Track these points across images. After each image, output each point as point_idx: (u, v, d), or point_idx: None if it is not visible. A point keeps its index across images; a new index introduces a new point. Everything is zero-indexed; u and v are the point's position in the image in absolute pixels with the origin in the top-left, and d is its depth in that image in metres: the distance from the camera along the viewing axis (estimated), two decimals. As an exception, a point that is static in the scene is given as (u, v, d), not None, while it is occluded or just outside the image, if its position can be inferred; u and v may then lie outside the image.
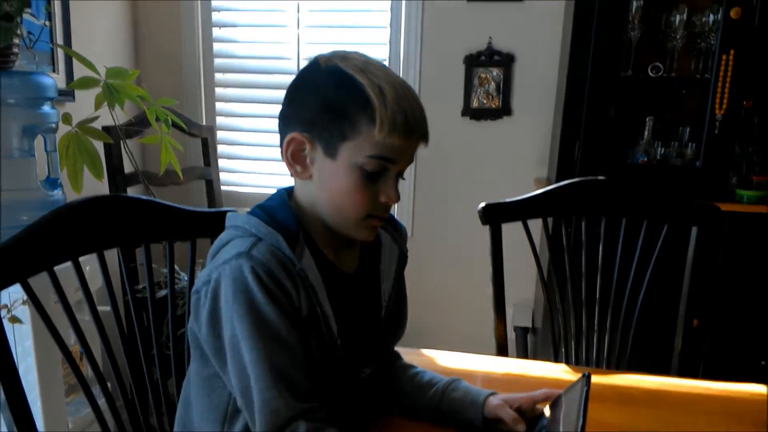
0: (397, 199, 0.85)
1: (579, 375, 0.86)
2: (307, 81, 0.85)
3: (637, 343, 1.42)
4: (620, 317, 1.42)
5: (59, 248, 0.93)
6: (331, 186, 0.84)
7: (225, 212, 1.11)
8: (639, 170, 2.24)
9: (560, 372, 1.21)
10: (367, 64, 0.82)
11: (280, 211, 0.86)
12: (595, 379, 0.86)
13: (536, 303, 2.60)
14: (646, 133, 2.26)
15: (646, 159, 2.24)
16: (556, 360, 1.42)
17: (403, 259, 1.00)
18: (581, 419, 0.74)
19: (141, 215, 1.06)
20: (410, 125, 0.81)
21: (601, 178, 1.48)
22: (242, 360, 0.77)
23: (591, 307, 1.44)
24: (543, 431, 0.84)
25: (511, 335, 2.50)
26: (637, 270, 1.42)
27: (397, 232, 1.01)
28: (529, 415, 0.90)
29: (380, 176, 0.83)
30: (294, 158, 0.85)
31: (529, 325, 2.54)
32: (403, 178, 0.88)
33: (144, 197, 1.07)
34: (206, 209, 1.15)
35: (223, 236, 0.86)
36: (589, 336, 1.45)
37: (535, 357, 2.36)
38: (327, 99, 0.82)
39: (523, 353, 2.42)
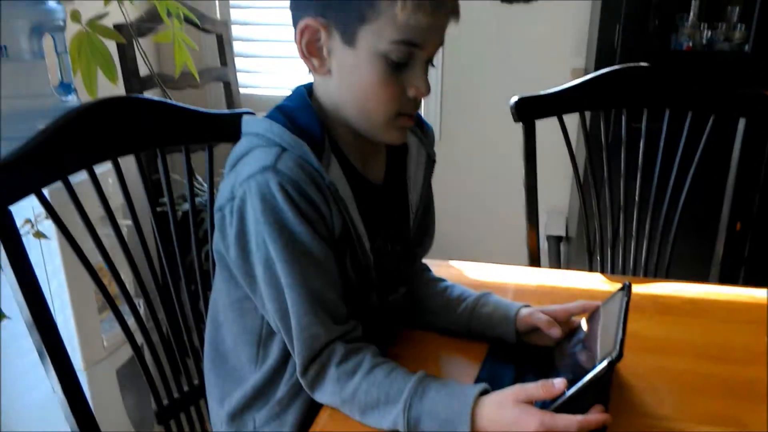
0: (428, 91, 0.76)
1: (615, 284, 0.82)
2: None
3: (676, 249, 1.37)
4: (660, 221, 1.35)
5: (72, 155, 0.89)
6: (352, 81, 0.76)
7: (243, 114, 1.07)
8: (683, 57, 2.08)
9: (596, 282, 1.17)
10: None
11: (301, 114, 0.78)
12: (633, 288, 0.82)
13: (570, 210, 2.52)
14: (691, 14, 2.09)
15: (691, 44, 2.08)
16: (591, 269, 1.38)
17: (430, 164, 0.94)
18: (621, 332, 0.70)
19: (155, 118, 1.01)
20: (439, 0, 0.71)
21: (643, 65, 1.37)
22: (278, 284, 0.74)
23: (629, 210, 1.37)
24: (579, 345, 0.81)
25: (544, 245, 2.44)
26: (680, 168, 1.34)
27: (424, 134, 0.94)
28: (564, 328, 0.86)
29: (407, 65, 0.75)
30: (309, 50, 0.77)
31: (563, 233, 2.45)
32: (433, 65, 0.79)
33: (157, 98, 1.01)
34: (223, 111, 1.10)
35: (242, 145, 0.79)
36: (627, 242, 1.39)
37: (568, 267, 2.32)
38: None
39: (556, 263, 2.37)
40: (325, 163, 0.76)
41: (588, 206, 1.39)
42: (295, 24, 0.77)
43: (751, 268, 2.12)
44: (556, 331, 0.84)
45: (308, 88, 0.83)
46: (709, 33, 2.10)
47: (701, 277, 1.21)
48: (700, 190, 1.34)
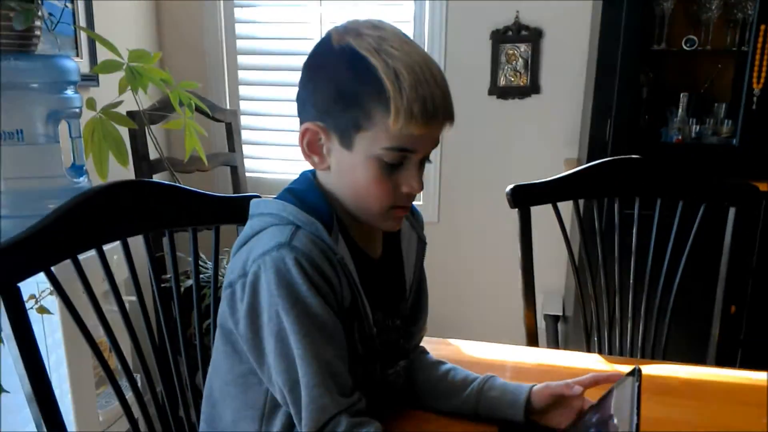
0: (420, 188, 0.81)
1: (614, 365, 0.83)
2: (320, 62, 0.81)
3: (672, 331, 1.38)
4: (655, 304, 1.37)
5: (82, 235, 0.92)
6: (349, 179, 0.81)
7: (250, 198, 1.10)
8: (673, 149, 2.17)
9: (594, 362, 1.17)
10: (381, 40, 0.76)
11: (310, 195, 0.83)
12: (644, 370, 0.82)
13: (566, 290, 2.55)
14: (680, 110, 2.19)
15: (680, 137, 2.17)
16: (589, 349, 1.39)
17: (421, 246, 0.98)
18: (635, 418, 0.70)
19: (164, 201, 1.04)
20: (429, 113, 0.75)
21: (634, 156, 1.43)
22: (290, 355, 0.75)
23: (624, 293, 1.39)
24: (592, 429, 0.81)
25: (541, 324, 2.46)
26: (673, 253, 1.37)
27: (415, 218, 0.98)
28: (576, 408, 0.87)
29: (401, 165, 0.79)
30: (311, 148, 0.82)
31: (560, 313, 2.48)
32: (429, 161, 0.83)
33: (166, 182, 1.06)
34: (230, 195, 1.13)
35: (254, 224, 0.82)
36: (623, 324, 1.41)
37: (566, 347, 2.32)
38: (339, 85, 0.77)
39: (553, 343, 2.38)
40: (334, 239, 0.80)
41: (584, 288, 1.41)
42: (300, 120, 0.83)
43: (747, 350, 2.12)
44: (577, 389, 0.85)
45: (313, 173, 0.88)
46: (698, 127, 2.19)
47: (698, 359, 1.21)
48: (693, 274, 1.36)
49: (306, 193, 0.83)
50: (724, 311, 1.37)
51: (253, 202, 0.86)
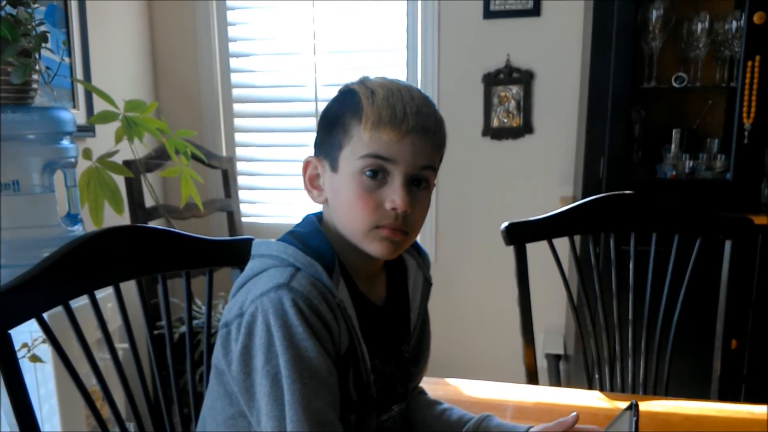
0: (405, 205, 0.78)
1: (614, 402, 0.81)
2: (323, 109, 0.86)
3: (674, 367, 1.36)
4: (655, 339, 1.36)
5: (74, 281, 0.91)
6: (338, 201, 0.82)
7: (242, 241, 1.10)
8: (668, 185, 2.18)
9: (594, 399, 1.16)
10: (378, 78, 0.82)
11: (313, 238, 0.83)
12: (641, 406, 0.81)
13: (567, 329, 2.53)
14: (673, 146, 2.21)
15: (674, 173, 2.18)
16: (590, 387, 1.37)
17: (427, 286, 0.97)
18: None
19: (157, 246, 1.04)
20: (398, 118, 0.77)
21: (627, 192, 1.44)
22: (281, 400, 0.73)
23: (624, 329, 1.38)
24: None
25: (543, 363, 2.43)
26: (671, 288, 1.36)
27: (422, 258, 0.97)
28: None
29: (384, 182, 0.79)
30: (312, 183, 0.85)
31: (561, 352, 2.46)
32: (425, 186, 0.82)
33: (159, 227, 1.06)
34: (223, 238, 1.13)
35: (254, 265, 0.82)
36: (624, 360, 1.39)
37: (568, 385, 2.29)
38: (327, 115, 0.84)
39: (555, 381, 2.35)
40: (335, 282, 0.79)
41: (583, 325, 1.40)
42: None
43: (751, 384, 2.09)
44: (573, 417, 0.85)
45: (318, 216, 0.88)
46: (691, 163, 2.20)
47: (701, 394, 1.19)
48: (692, 309, 1.35)
49: (308, 236, 0.83)
50: (725, 346, 1.36)
51: (254, 243, 0.86)
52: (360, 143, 0.78)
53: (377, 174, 0.78)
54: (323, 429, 0.74)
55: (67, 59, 2.14)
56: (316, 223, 0.86)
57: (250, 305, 0.76)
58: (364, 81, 0.81)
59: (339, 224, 0.83)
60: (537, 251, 1.39)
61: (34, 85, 1.60)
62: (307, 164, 0.85)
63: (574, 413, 0.86)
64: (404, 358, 0.93)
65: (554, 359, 2.44)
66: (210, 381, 0.86)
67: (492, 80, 2.53)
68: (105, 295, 0.97)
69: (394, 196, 0.78)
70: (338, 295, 0.78)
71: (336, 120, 0.80)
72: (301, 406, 0.72)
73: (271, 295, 0.74)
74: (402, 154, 0.78)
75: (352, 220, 0.81)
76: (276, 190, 2.87)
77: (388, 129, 0.77)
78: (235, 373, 0.77)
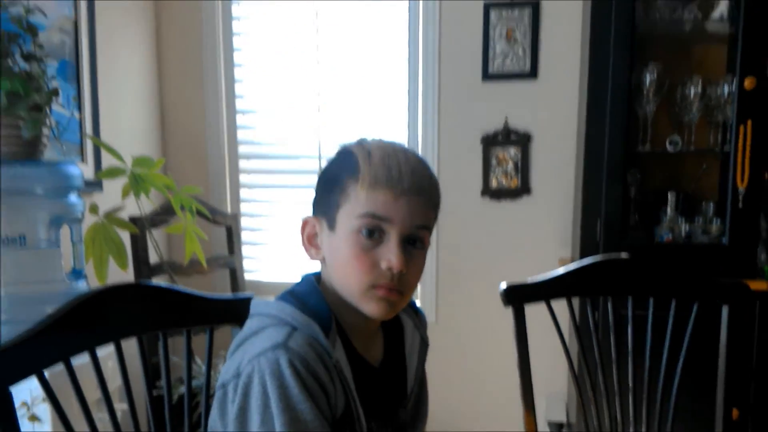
0: (399, 265, 0.80)
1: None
2: (323, 169, 0.89)
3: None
4: (656, 407, 1.35)
5: (76, 338, 0.92)
6: (335, 260, 0.84)
7: (243, 299, 1.11)
8: (664, 249, 2.20)
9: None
10: (375, 140, 0.85)
11: (311, 298, 0.84)
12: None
13: (570, 394, 2.49)
14: (669, 209, 2.24)
15: (671, 237, 2.20)
16: (594, 457, 1.35)
17: (424, 347, 0.98)
18: None
19: (158, 303, 1.05)
20: (393, 178, 0.79)
21: (624, 255, 1.45)
22: None
23: (624, 396, 1.37)
24: None
25: (546, 429, 2.39)
26: (670, 353, 1.36)
27: (418, 318, 0.99)
28: None
29: (380, 242, 0.81)
30: (310, 242, 0.87)
31: (564, 419, 2.41)
32: (419, 247, 0.83)
33: (161, 284, 1.07)
34: (224, 295, 1.14)
35: (252, 324, 0.83)
36: (625, 428, 1.38)
37: (572, 454, 2.25)
38: (325, 175, 0.86)
39: (560, 451, 2.31)
40: (331, 342, 0.80)
41: (583, 392, 1.39)
42: None
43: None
44: None
45: (316, 276, 0.90)
46: (687, 226, 2.22)
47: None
48: (693, 376, 1.35)
49: (306, 296, 0.85)
50: (726, 414, 1.35)
51: (253, 302, 0.88)
52: (357, 203, 0.80)
53: (373, 233, 0.80)
54: None
55: (77, 114, 2.19)
56: (314, 282, 0.87)
57: (247, 365, 0.76)
58: (361, 142, 0.84)
59: (336, 283, 0.84)
60: (538, 313, 1.39)
61: (44, 140, 1.63)
62: (305, 223, 0.87)
63: None
64: (401, 421, 0.93)
65: (557, 427, 2.39)
66: None
67: (491, 141, 2.58)
68: (105, 354, 0.98)
69: (390, 255, 0.80)
70: (335, 356, 0.78)
71: (334, 180, 0.83)
72: None
73: (268, 355, 0.75)
74: (398, 213, 0.80)
75: (349, 279, 0.82)
76: (279, 246, 2.89)
77: (384, 189, 0.79)
78: None
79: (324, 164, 0.88)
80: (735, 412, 1.98)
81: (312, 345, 0.77)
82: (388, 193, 0.79)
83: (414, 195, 0.81)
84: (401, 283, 0.82)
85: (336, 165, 0.85)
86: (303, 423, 0.74)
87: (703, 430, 1.39)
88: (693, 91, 2.19)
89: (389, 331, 0.93)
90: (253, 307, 0.87)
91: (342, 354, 0.81)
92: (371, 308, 0.83)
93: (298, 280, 0.90)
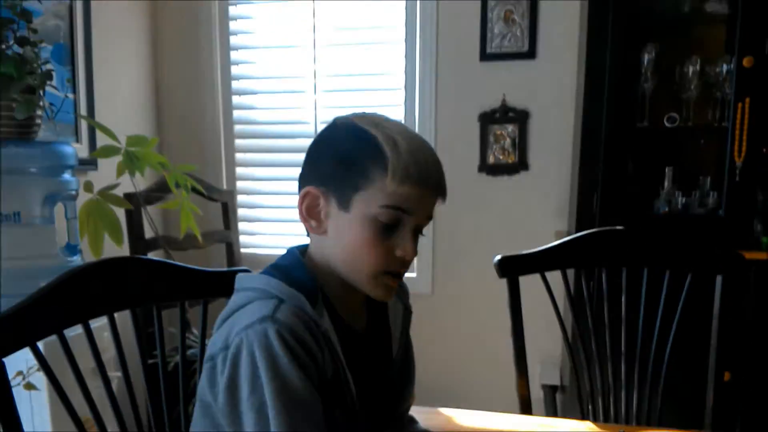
0: (414, 254, 0.82)
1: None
2: (323, 139, 0.86)
3: (668, 398, 1.36)
4: (648, 372, 1.36)
5: (69, 311, 0.93)
6: (345, 241, 0.83)
7: (238, 272, 1.12)
8: (661, 221, 2.20)
9: (586, 429, 1.16)
10: (382, 120, 0.83)
11: (295, 270, 0.84)
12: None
13: (564, 359, 2.52)
14: (666, 183, 2.24)
15: (667, 209, 2.21)
16: (584, 418, 1.37)
17: (407, 314, 0.98)
18: None
19: (152, 277, 1.06)
20: (424, 174, 0.79)
21: (619, 228, 1.46)
22: (267, 429, 0.74)
23: (617, 361, 1.39)
24: None
25: (540, 394, 2.42)
26: (663, 322, 1.37)
27: (400, 287, 0.99)
28: None
29: (396, 229, 0.81)
30: (309, 213, 0.84)
31: (558, 382, 2.46)
32: (423, 234, 0.86)
33: (155, 258, 1.07)
34: (219, 269, 1.15)
35: (237, 299, 0.83)
36: (617, 392, 1.39)
37: (565, 416, 2.27)
38: (340, 152, 0.82)
39: (551, 412, 2.33)
40: (318, 312, 0.80)
41: (576, 357, 1.41)
42: (299, 190, 0.86)
43: (747, 418, 2.08)
44: None
45: (300, 249, 0.90)
46: (684, 200, 2.23)
47: (695, 426, 1.19)
48: (685, 342, 1.36)
49: (291, 269, 0.85)
50: (718, 378, 1.37)
51: (238, 276, 0.87)
52: (382, 193, 0.79)
53: (393, 223, 0.81)
54: None
55: (71, 95, 2.19)
56: (298, 255, 0.87)
57: (234, 338, 0.76)
58: (377, 124, 0.81)
59: (340, 260, 0.84)
60: (533, 283, 1.40)
61: (38, 121, 1.64)
62: (306, 194, 0.84)
63: None
64: (389, 385, 0.94)
65: (550, 390, 2.43)
66: (195, 414, 0.86)
67: (488, 119, 2.58)
68: (102, 324, 0.99)
69: (405, 245, 0.82)
70: (322, 325, 0.79)
71: (354, 162, 0.80)
72: None
73: (255, 327, 0.75)
74: (419, 208, 0.81)
75: (361, 264, 0.82)
76: (275, 221, 2.91)
77: (415, 185, 0.79)
78: (221, 406, 0.78)
79: (326, 135, 0.86)
80: (727, 375, 1.99)
81: (299, 315, 0.77)
82: (415, 189, 0.79)
83: (436, 191, 0.82)
84: (406, 268, 0.85)
85: (352, 144, 0.81)
86: (292, 391, 0.74)
87: (696, 392, 1.40)
88: (691, 69, 2.18)
89: (372, 299, 0.94)
90: (238, 281, 0.86)
91: (329, 322, 0.82)
92: (377, 293, 0.85)
93: (283, 254, 0.90)
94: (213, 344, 0.81)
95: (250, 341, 0.75)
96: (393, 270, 0.83)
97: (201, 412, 0.84)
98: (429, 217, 0.84)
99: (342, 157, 0.82)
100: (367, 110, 0.87)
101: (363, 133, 0.81)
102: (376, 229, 0.80)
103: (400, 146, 0.79)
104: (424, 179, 0.80)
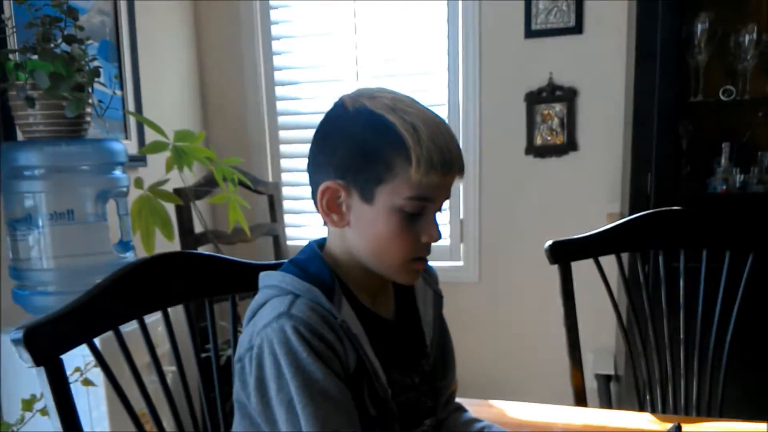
0: (439, 237, 0.82)
1: (664, 424, 0.79)
2: (335, 125, 0.84)
3: (729, 387, 1.31)
4: (708, 359, 1.31)
5: (124, 307, 0.95)
6: (370, 232, 0.82)
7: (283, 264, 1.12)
8: (718, 200, 2.12)
9: (644, 422, 1.12)
10: (396, 101, 0.80)
11: (312, 264, 0.85)
12: (686, 428, 0.78)
13: (618, 348, 2.46)
14: (723, 160, 2.15)
15: (725, 187, 2.12)
16: (641, 409, 1.33)
17: (438, 300, 0.97)
18: None
19: (203, 271, 1.07)
20: (448, 162, 0.78)
21: (675, 208, 1.40)
22: (298, 423, 0.75)
23: (675, 349, 1.34)
24: None
25: (593, 384, 2.36)
26: (723, 306, 1.32)
27: (428, 273, 0.98)
28: None
29: (420, 216, 0.81)
30: (330, 207, 0.83)
31: (612, 372, 2.39)
32: (441, 211, 0.85)
33: (205, 253, 1.08)
34: (267, 262, 1.15)
35: (258, 298, 0.85)
36: (676, 381, 1.35)
37: (619, 406, 2.22)
38: (358, 143, 0.80)
39: (606, 403, 2.28)
40: (336, 303, 0.80)
41: (633, 346, 1.36)
42: (313, 184, 0.85)
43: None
44: None
45: (319, 242, 0.90)
46: (742, 177, 2.13)
47: (760, 415, 1.14)
48: (747, 326, 1.30)
49: (307, 262, 0.85)
50: (784, 366, 1.31)
51: (261, 275, 0.88)
52: (407, 184, 0.78)
53: (417, 212, 0.81)
54: None
55: (119, 92, 2.23)
56: (315, 248, 0.88)
57: (256, 337, 0.78)
58: (393, 108, 0.78)
59: (363, 252, 0.84)
60: (585, 268, 1.36)
61: (88, 118, 1.66)
62: (326, 189, 0.82)
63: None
64: (426, 371, 0.92)
65: (604, 380, 2.37)
66: (235, 415, 0.87)
67: (535, 99, 2.51)
68: (155, 319, 1.00)
69: (430, 229, 0.82)
70: (340, 317, 0.79)
71: (374, 153, 0.79)
72: (317, 429, 0.73)
73: (273, 325, 0.76)
74: (442, 193, 0.82)
75: (389, 254, 0.82)
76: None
77: (439, 174, 0.78)
78: (254, 405, 0.79)
79: (336, 120, 0.84)
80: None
81: (314, 309, 0.77)
82: (441, 177, 0.79)
83: (457, 174, 0.82)
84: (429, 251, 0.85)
85: (374, 136, 0.79)
86: (315, 382, 0.74)
87: (759, 380, 1.35)
88: (747, 38, 2.08)
89: (399, 285, 0.92)
90: (260, 280, 0.87)
91: (350, 312, 0.81)
92: (405, 278, 0.86)
93: (302, 248, 0.90)
94: (240, 345, 0.82)
95: (270, 339, 0.76)
96: (420, 255, 0.84)
97: (239, 413, 0.85)
98: (448, 197, 0.84)
99: (361, 147, 0.80)
100: (408, 94, 0.84)
101: (380, 120, 0.78)
102: (402, 220, 0.80)
103: (421, 133, 0.77)
104: (449, 166, 0.79)
